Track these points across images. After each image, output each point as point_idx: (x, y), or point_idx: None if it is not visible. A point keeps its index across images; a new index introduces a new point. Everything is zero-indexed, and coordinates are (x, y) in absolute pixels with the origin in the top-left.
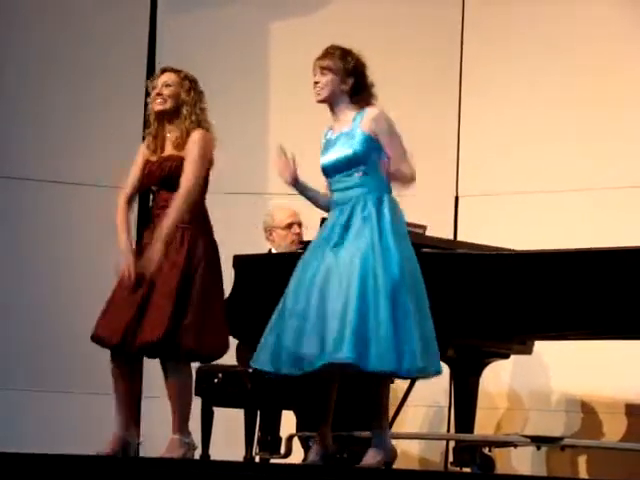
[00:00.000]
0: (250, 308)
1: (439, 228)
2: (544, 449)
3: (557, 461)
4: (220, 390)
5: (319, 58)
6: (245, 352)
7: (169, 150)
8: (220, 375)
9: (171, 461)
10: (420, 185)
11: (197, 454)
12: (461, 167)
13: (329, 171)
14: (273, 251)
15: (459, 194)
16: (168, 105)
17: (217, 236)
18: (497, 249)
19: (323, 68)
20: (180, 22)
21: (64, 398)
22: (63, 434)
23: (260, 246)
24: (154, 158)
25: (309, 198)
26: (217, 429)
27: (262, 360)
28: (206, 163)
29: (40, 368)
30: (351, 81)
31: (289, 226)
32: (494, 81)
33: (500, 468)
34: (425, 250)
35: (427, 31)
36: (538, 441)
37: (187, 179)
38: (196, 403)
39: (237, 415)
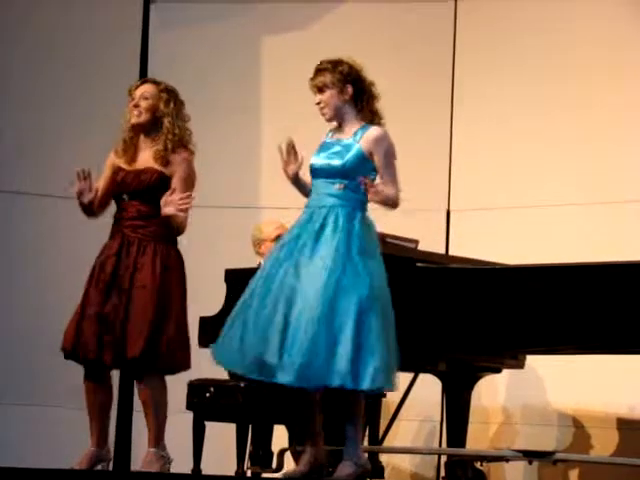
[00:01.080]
0: None
1: (431, 242)
2: (536, 463)
3: (549, 475)
4: (212, 404)
5: (312, 79)
6: None
7: (146, 162)
8: (212, 389)
9: (161, 476)
10: (412, 199)
11: (189, 469)
12: (453, 181)
13: (316, 172)
14: (263, 264)
15: (451, 208)
16: (143, 118)
17: (209, 250)
18: (489, 263)
19: (319, 87)
20: (172, 36)
21: (49, 412)
22: (42, 448)
23: (252, 260)
24: (127, 167)
25: (298, 188)
26: (209, 443)
27: (228, 359)
28: (191, 185)
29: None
30: (350, 88)
31: (277, 238)
32: (487, 93)
33: None
34: (418, 265)
35: (417, 42)
36: (530, 455)
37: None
38: (187, 417)
39: (229, 429)
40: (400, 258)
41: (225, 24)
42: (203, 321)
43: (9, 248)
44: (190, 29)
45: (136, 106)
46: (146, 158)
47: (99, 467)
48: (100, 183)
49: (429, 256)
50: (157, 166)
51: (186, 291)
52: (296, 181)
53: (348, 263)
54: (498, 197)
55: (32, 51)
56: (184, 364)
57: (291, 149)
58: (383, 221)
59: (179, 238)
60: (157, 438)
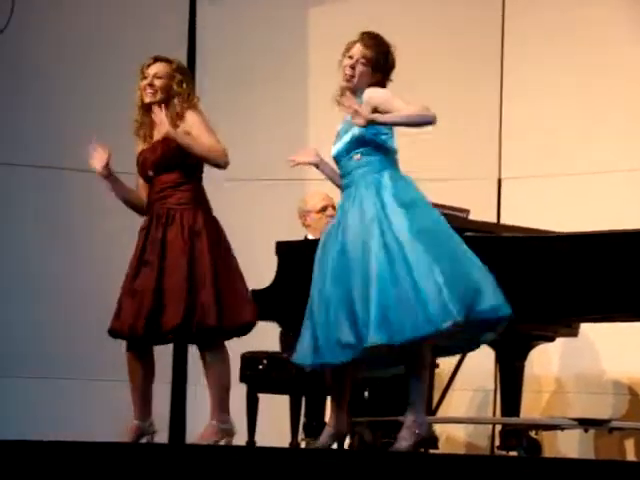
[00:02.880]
0: (292, 294)
1: (482, 211)
2: (591, 432)
3: (605, 444)
4: (265, 376)
5: (365, 45)
6: (288, 338)
7: (159, 135)
8: (265, 361)
9: (216, 448)
10: (462, 169)
11: (243, 441)
12: (503, 150)
13: (337, 159)
14: (309, 237)
15: (502, 176)
16: (158, 97)
17: (258, 223)
18: (541, 231)
19: (365, 58)
20: (219, 11)
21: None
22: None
23: (301, 232)
24: (145, 146)
25: (329, 178)
26: (262, 415)
27: (300, 354)
28: (210, 129)
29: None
30: (378, 77)
31: (323, 209)
32: (536, 60)
33: (547, 451)
34: (468, 234)
35: (466, 8)
36: (585, 424)
37: (208, 139)
38: (241, 390)
39: (282, 401)
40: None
41: None
42: (255, 294)
43: (61, 222)
44: (235, 5)
45: (150, 85)
46: (158, 132)
47: (143, 440)
48: (140, 183)
49: (480, 225)
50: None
51: (225, 251)
52: (322, 166)
53: (384, 220)
54: (549, 164)
55: (78, 31)
56: (240, 325)
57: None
58: (434, 192)
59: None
60: (218, 411)
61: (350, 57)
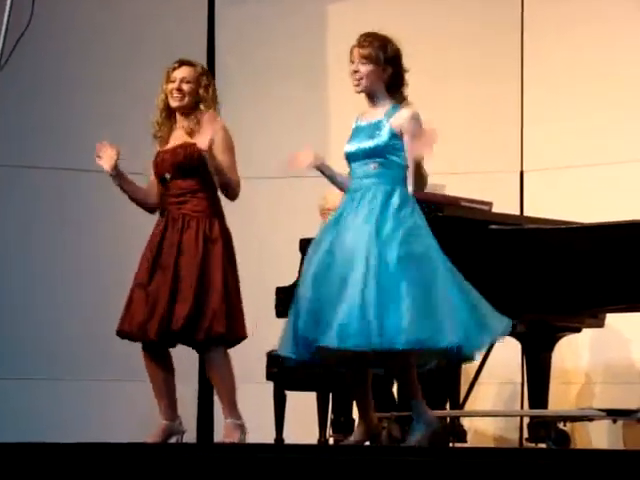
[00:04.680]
0: None
1: (505, 204)
2: (620, 422)
3: (634, 434)
4: (291, 374)
5: (359, 46)
6: None
7: (181, 138)
8: None
9: (244, 446)
10: (485, 161)
11: (271, 438)
12: (525, 142)
13: (350, 158)
14: None
15: (524, 169)
16: (186, 102)
17: (279, 220)
18: (565, 223)
19: (363, 57)
20: (238, 10)
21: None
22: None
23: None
24: (164, 147)
25: (328, 178)
26: (290, 413)
27: (282, 346)
28: (232, 150)
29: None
30: (390, 70)
31: None
32: (557, 51)
33: (576, 443)
34: (492, 227)
35: (488, 4)
36: (614, 414)
37: (229, 168)
38: (268, 388)
39: (310, 398)
40: (473, 221)
41: None
42: (279, 291)
43: (86, 224)
44: (255, 4)
45: (179, 90)
46: (179, 135)
47: (173, 440)
48: (151, 180)
49: (504, 218)
50: (190, 140)
51: (233, 261)
52: (321, 168)
53: (376, 238)
54: (570, 156)
55: (96, 29)
56: (234, 333)
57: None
58: (457, 185)
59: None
60: (230, 408)
61: (352, 62)
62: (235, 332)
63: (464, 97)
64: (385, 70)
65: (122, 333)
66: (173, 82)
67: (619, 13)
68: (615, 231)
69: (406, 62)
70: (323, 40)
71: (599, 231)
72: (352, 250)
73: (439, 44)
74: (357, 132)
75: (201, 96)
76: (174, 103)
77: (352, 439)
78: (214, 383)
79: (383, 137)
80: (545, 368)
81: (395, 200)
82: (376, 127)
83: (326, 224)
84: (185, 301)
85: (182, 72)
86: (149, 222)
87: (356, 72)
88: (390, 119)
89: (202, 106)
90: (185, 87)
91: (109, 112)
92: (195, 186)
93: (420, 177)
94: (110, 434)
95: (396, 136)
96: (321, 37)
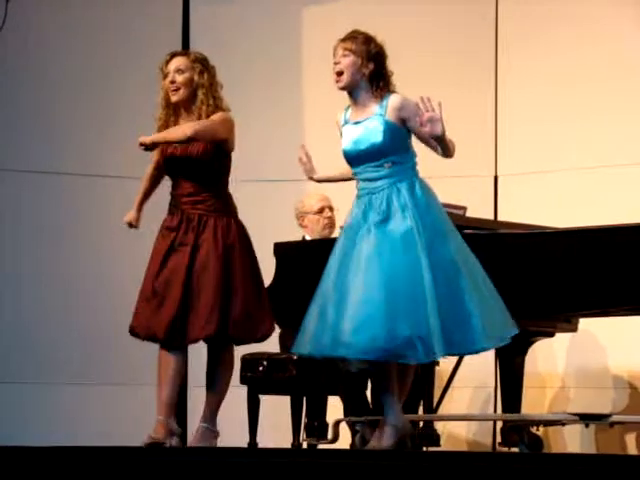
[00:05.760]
0: (291, 295)
1: (479, 208)
2: (593, 427)
3: (606, 438)
4: (265, 377)
5: (342, 40)
6: (288, 338)
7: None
8: (265, 363)
9: (217, 450)
10: (459, 165)
11: (245, 442)
12: (499, 146)
13: (353, 160)
14: (307, 237)
15: (498, 173)
16: (183, 95)
17: (256, 224)
18: (539, 227)
19: (345, 49)
20: (213, 8)
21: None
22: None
23: (298, 233)
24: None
25: (327, 181)
26: (263, 417)
27: (300, 343)
28: (223, 133)
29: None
30: (371, 66)
31: (320, 210)
32: (531, 56)
33: (548, 447)
34: (467, 231)
35: (461, 8)
36: (586, 419)
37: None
38: (242, 391)
39: (283, 402)
40: None
41: None
42: None
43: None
44: (230, 2)
45: (172, 82)
46: None
47: (173, 441)
48: (149, 169)
49: (478, 222)
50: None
51: (254, 260)
52: (324, 180)
53: (425, 231)
54: (545, 160)
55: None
56: (266, 335)
57: (308, 155)
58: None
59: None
60: (214, 414)
61: (335, 62)
62: (258, 331)
63: (438, 100)
64: (366, 66)
65: (133, 331)
66: (167, 76)
67: (594, 17)
68: (587, 236)
69: None
70: (298, 43)
71: (573, 236)
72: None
73: (413, 49)
74: (351, 131)
75: (197, 83)
76: (173, 98)
77: (373, 443)
78: (217, 384)
79: (388, 135)
80: (518, 372)
81: (419, 194)
82: (373, 125)
83: (348, 226)
84: (209, 313)
85: (174, 63)
86: (121, 226)
87: (337, 64)
88: (386, 113)
89: (200, 92)
90: (179, 78)
91: (89, 115)
92: (209, 184)
93: (447, 146)
94: (86, 438)
95: (397, 128)
96: (297, 40)
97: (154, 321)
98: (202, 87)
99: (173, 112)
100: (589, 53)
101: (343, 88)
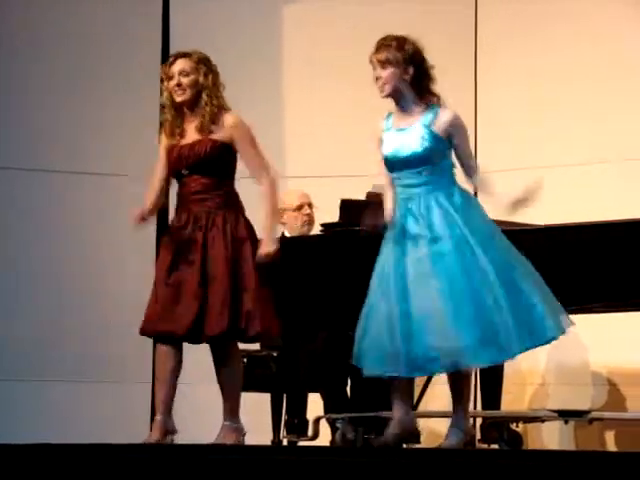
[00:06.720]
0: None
1: None
2: (572, 423)
3: (585, 435)
4: (245, 375)
5: (376, 52)
6: None
7: (193, 135)
8: (245, 360)
9: (197, 447)
10: None
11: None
12: (479, 143)
13: (395, 165)
14: (286, 234)
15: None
16: (188, 95)
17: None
18: (519, 225)
19: (382, 62)
20: (193, 6)
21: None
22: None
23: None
24: (181, 142)
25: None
26: (243, 414)
27: (372, 365)
28: (255, 143)
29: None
30: (411, 70)
31: (299, 207)
32: (511, 53)
33: (528, 444)
34: None
35: (441, 8)
36: (566, 415)
37: (262, 167)
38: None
39: (263, 399)
40: None
41: None
42: None
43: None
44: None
45: (178, 85)
46: (193, 131)
47: (168, 440)
48: (158, 169)
49: None
50: (206, 136)
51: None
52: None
53: (471, 237)
54: (525, 158)
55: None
56: (269, 332)
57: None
58: None
59: None
60: (234, 411)
61: (374, 70)
62: (267, 331)
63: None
64: (406, 70)
65: (157, 332)
66: (172, 78)
67: (573, 15)
68: (568, 233)
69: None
70: (278, 39)
71: (549, 233)
72: (447, 265)
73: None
74: (394, 137)
75: (202, 84)
76: (178, 98)
77: (390, 435)
78: (229, 382)
79: (431, 144)
80: (498, 369)
81: (457, 201)
82: (421, 134)
83: (392, 237)
84: (220, 308)
85: (179, 65)
86: (113, 224)
87: (378, 79)
88: (432, 124)
89: (204, 94)
90: (184, 80)
91: (79, 112)
92: (215, 182)
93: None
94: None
95: (443, 141)
96: (277, 36)
97: (170, 319)
98: (206, 88)
99: (177, 112)
100: (569, 51)
101: (386, 96)
